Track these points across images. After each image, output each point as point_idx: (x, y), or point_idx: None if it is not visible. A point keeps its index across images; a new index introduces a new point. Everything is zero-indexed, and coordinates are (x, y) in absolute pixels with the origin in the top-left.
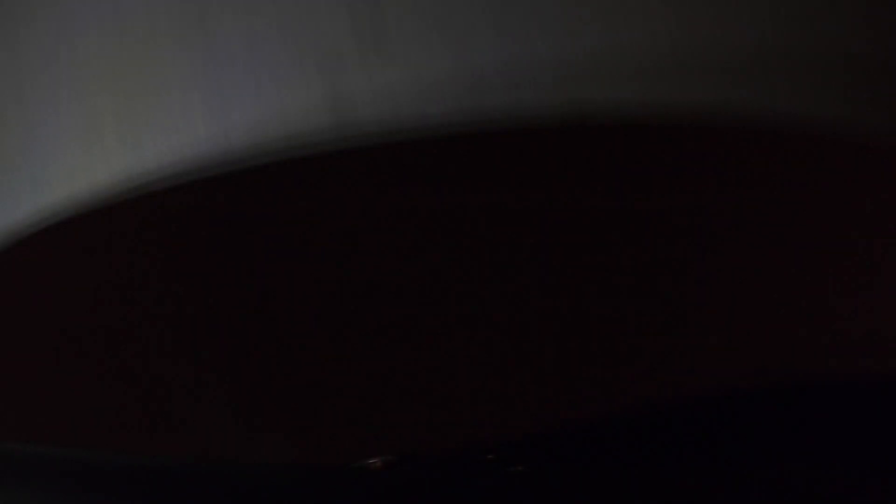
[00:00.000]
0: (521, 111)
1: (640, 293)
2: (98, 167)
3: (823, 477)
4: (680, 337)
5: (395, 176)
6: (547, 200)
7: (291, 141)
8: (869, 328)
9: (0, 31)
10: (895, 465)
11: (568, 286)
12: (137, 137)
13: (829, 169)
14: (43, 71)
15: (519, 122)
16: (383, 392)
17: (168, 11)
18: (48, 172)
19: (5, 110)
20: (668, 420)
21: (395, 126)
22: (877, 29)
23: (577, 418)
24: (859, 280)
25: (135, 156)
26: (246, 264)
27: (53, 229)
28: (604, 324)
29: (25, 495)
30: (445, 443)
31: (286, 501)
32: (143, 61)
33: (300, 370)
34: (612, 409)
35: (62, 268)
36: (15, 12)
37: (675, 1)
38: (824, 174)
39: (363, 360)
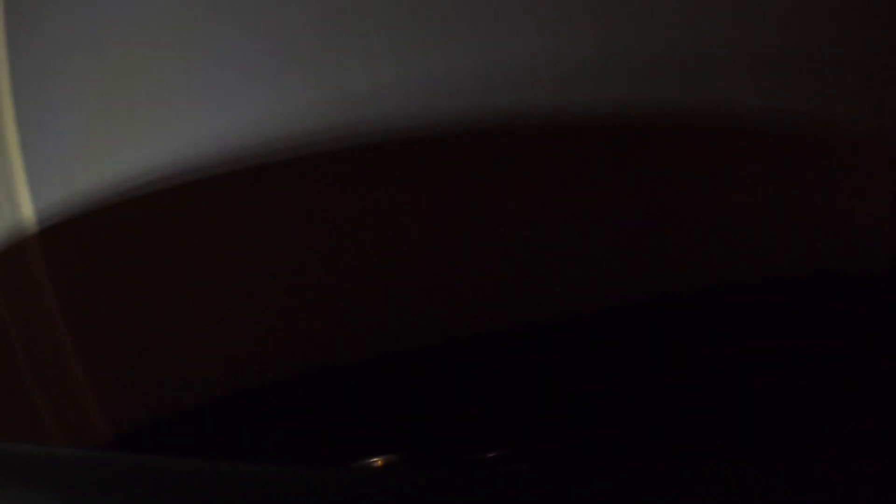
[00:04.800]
0: (518, 111)
1: (638, 292)
2: (98, 167)
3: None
4: (678, 334)
5: (394, 176)
6: (544, 200)
7: (291, 141)
8: (866, 323)
9: (1, 32)
10: None
11: (566, 284)
12: (137, 137)
13: (828, 168)
14: (42, 71)
15: (516, 123)
16: (383, 392)
17: (168, 11)
18: (48, 172)
19: (4, 110)
20: (668, 417)
21: (394, 126)
22: (877, 28)
23: (577, 416)
24: (857, 278)
25: (135, 156)
26: (245, 264)
27: (53, 229)
28: (603, 321)
29: (25, 495)
30: (445, 442)
31: (286, 501)
32: (144, 61)
33: (300, 369)
34: (613, 408)
35: (62, 268)
36: (15, 14)
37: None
38: (823, 173)
39: (363, 360)
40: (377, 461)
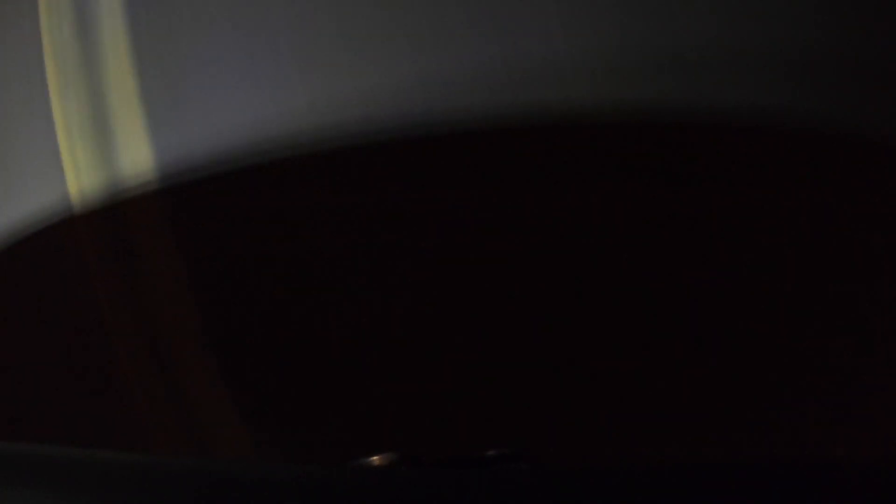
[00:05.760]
0: (517, 110)
1: (638, 291)
2: (97, 167)
3: None
4: (678, 333)
5: (393, 175)
6: (544, 199)
7: (291, 140)
8: (866, 322)
9: None
10: None
11: (565, 284)
12: (137, 137)
13: (827, 167)
14: (42, 70)
15: (515, 121)
16: (383, 392)
17: (168, 11)
18: (47, 173)
19: (3, 110)
20: (668, 418)
21: (393, 125)
22: (876, 27)
23: (578, 415)
24: (857, 278)
25: (134, 156)
26: (245, 263)
27: (53, 229)
28: (602, 321)
29: (25, 495)
30: (446, 441)
31: (286, 501)
32: (143, 61)
33: (300, 369)
34: (613, 407)
35: (62, 268)
36: (8, 12)
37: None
38: (823, 172)
39: (363, 360)
40: (376, 460)
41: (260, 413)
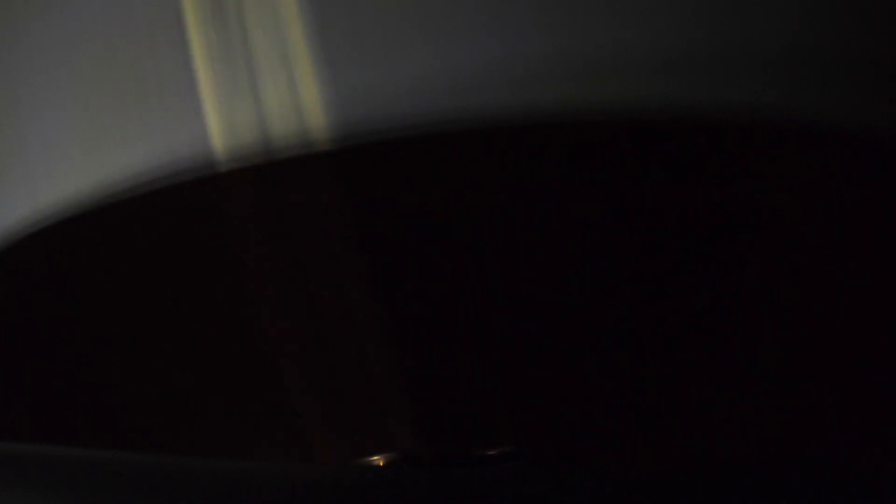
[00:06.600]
0: (517, 110)
1: (638, 291)
2: (98, 167)
3: None
4: (679, 333)
5: (393, 175)
6: (543, 199)
7: (290, 140)
8: (866, 324)
9: None
10: None
11: (565, 284)
12: (137, 137)
13: (827, 164)
14: (41, 70)
15: (515, 121)
16: (383, 391)
17: (167, 11)
18: (48, 172)
19: (3, 110)
20: (668, 418)
21: (392, 125)
22: (874, 24)
23: (578, 415)
24: (857, 278)
25: (135, 156)
26: (245, 264)
27: (53, 229)
28: (603, 321)
29: (25, 495)
30: (446, 441)
31: (286, 501)
32: (143, 60)
33: (301, 369)
34: (614, 407)
35: (62, 268)
36: (12, 11)
37: None
38: (823, 170)
39: (363, 359)
40: (377, 459)
41: (260, 412)
